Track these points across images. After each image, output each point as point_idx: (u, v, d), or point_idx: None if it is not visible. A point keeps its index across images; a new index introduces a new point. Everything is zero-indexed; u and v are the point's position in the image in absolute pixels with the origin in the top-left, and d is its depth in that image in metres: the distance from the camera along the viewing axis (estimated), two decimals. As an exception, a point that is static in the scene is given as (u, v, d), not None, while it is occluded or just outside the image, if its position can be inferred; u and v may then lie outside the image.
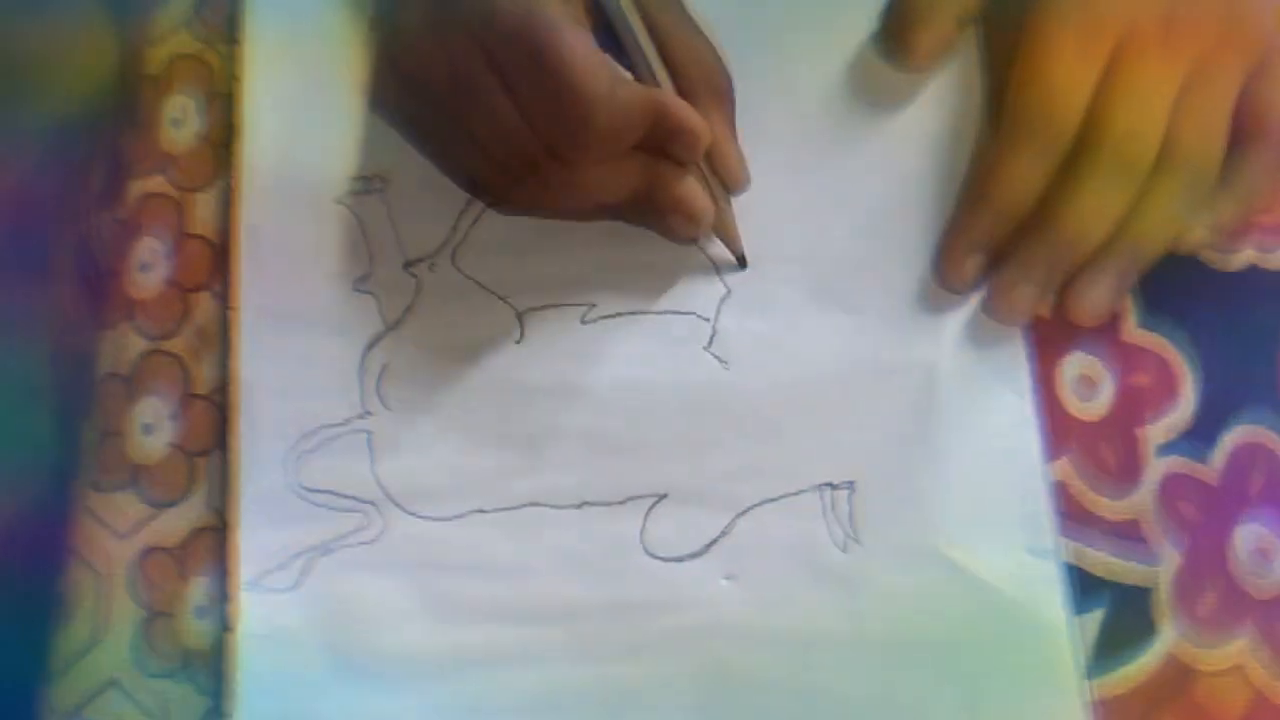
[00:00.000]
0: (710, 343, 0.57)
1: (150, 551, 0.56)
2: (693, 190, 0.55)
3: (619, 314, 0.57)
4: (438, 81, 0.54)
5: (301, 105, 0.60)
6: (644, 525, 0.55)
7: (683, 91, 0.55)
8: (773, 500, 0.55)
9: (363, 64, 0.59)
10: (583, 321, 0.57)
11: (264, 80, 0.61)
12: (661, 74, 0.54)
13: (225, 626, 0.54)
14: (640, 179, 0.54)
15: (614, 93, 0.51)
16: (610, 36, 0.54)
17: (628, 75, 0.54)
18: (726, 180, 0.56)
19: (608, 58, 0.52)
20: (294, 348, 0.57)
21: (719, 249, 0.57)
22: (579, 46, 0.50)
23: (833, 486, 0.55)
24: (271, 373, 0.57)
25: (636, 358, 0.56)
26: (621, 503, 0.55)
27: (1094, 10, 0.55)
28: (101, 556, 0.56)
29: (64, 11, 0.61)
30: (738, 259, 0.57)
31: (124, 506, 0.57)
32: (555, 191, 0.54)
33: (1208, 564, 0.54)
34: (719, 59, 0.56)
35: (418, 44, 0.54)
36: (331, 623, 0.54)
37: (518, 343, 0.57)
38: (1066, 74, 0.55)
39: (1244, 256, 0.58)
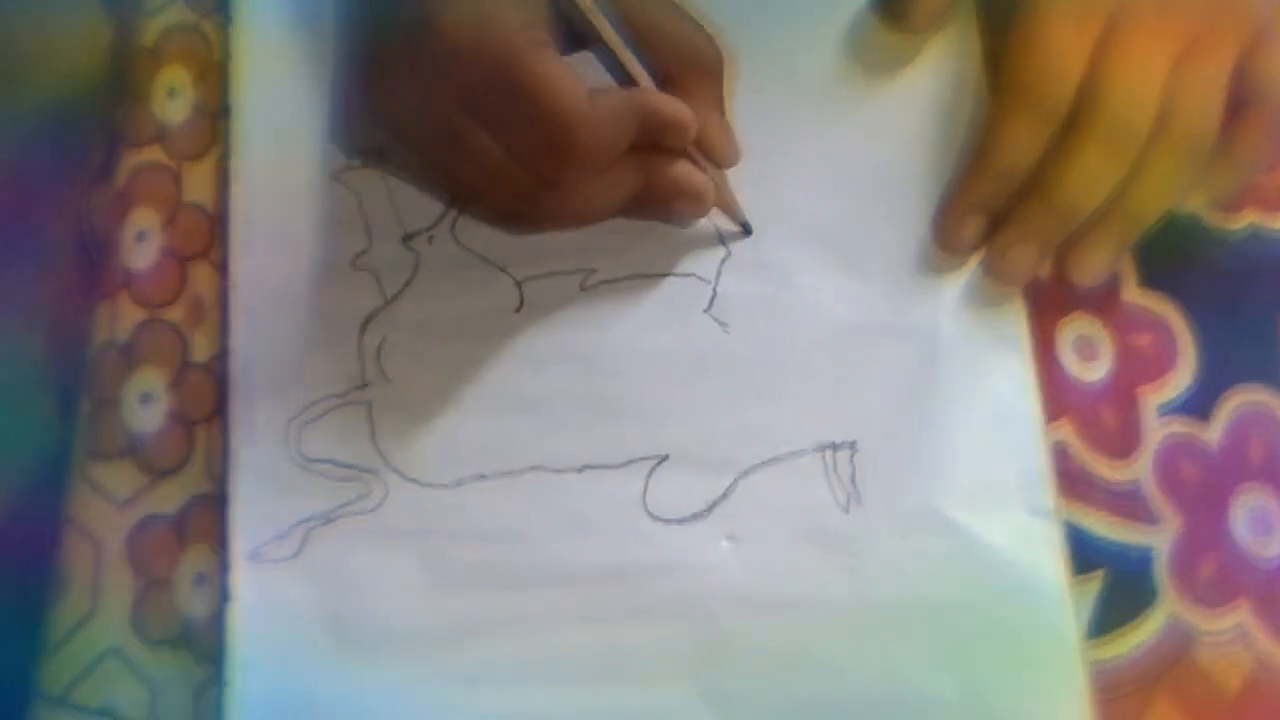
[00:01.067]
0: (710, 305, 0.56)
1: (148, 520, 0.56)
2: (690, 174, 0.55)
3: (618, 279, 0.57)
4: (417, 130, 0.53)
5: (296, 80, 0.60)
6: (646, 487, 0.54)
7: (665, 77, 0.54)
8: (775, 461, 0.55)
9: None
10: (582, 288, 0.57)
11: (258, 55, 0.60)
12: (636, 70, 0.53)
13: (225, 596, 0.54)
14: (636, 178, 0.54)
15: (593, 108, 0.50)
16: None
17: (607, 79, 0.54)
18: (716, 158, 0.56)
19: (578, 74, 0.51)
20: (292, 323, 0.57)
21: (723, 220, 0.57)
22: (550, 71, 0.50)
23: (834, 447, 0.55)
24: (269, 347, 0.57)
25: (637, 322, 0.56)
26: (623, 465, 0.55)
27: None
28: (100, 525, 0.56)
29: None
30: (742, 227, 0.57)
31: (122, 475, 0.57)
32: (556, 213, 0.54)
33: (1208, 528, 0.54)
34: (701, 36, 0.55)
35: (395, 98, 0.53)
36: (332, 592, 0.54)
37: (517, 311, 0.57)
38: (1062, 43, 0.55)
39: (1245, 217, 0.58)
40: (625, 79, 0.53)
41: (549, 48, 0.51)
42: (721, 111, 0.56)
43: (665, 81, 0.54)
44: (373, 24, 0.56)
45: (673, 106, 0.53)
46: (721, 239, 0.57)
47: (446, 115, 0.51)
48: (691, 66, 0.54)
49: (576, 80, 0.50)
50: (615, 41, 0.53)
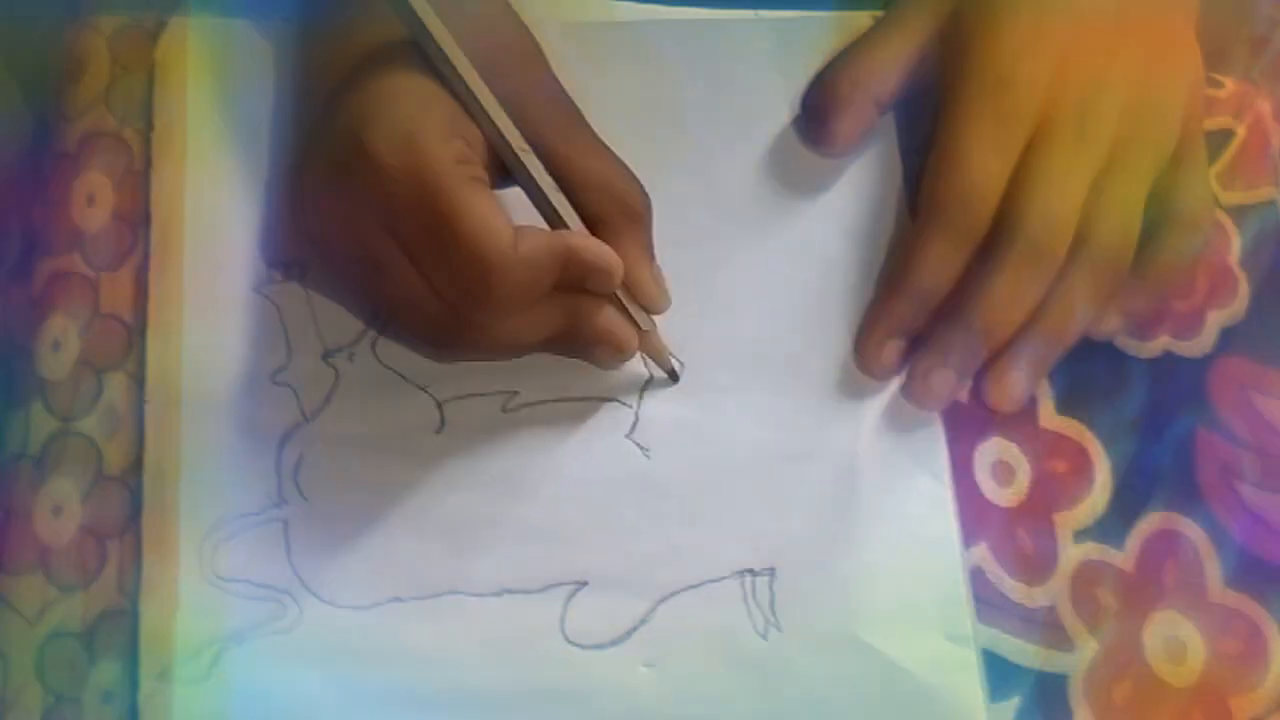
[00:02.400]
0: (632, 430, 0.56)
1: (57, 635, 0.55)
2: (613, 322, 0.54)
3: (540, 401, 0.57)
4: (342, 254, 0.53)
5: (218, 190, 0.59)
6: (564, 612, 0.54)
7: (592, 220, 0.54)
8: (694, 587, 0.54)
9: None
10: (504, 410, 0.56)
11: (179, 165, 0.60)
12: (567, 211, 0.53)
13: (134, 715, 0.53)
14: (559, 319, 0.54)
15: (517, 250, 0.50)
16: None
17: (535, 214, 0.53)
18: (645, 304, 0.55)
19: (506, 212, 0.51)
20: (209, 437, 0.56)
21: (651, 365, 0.58)
22: (476, 210, 0.49)
23: (754, 573, 0.54)
24: (185, 461, 0.56)
25: (558, 446, 0.56)
26: (541, 590, 0.54)
27: (1008, 100, 0.56)
28: (8, 640, 0.55)
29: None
30: (668, 374, 0.57)
31: (32, 589, 0.55)
32: (474, 346, 0.53)
33: (1124, 651, 0.54)
34: (629, 181, 0.54)
35: (319, 217, 0.54)
36: (244, 714, 0.53)
37: (438, 433, 0.56)
38: (981, 163, 0.56)
39: (1159, 344, 0.58)
40: (554, 218, 0.53)
41: (480, 184, 0.51)
42: (651, 256, 0.55)
43: (593, 224, 0.54)
44: (303, 137, 0.56)
45: (598, 251, 0.52)
46: (649, 369, 0.57)
47: (369, 237, 0.51)
48: (619, 211, 0.54)
49: (503, 220, 0.50)
50: (545, 182, 0.52)
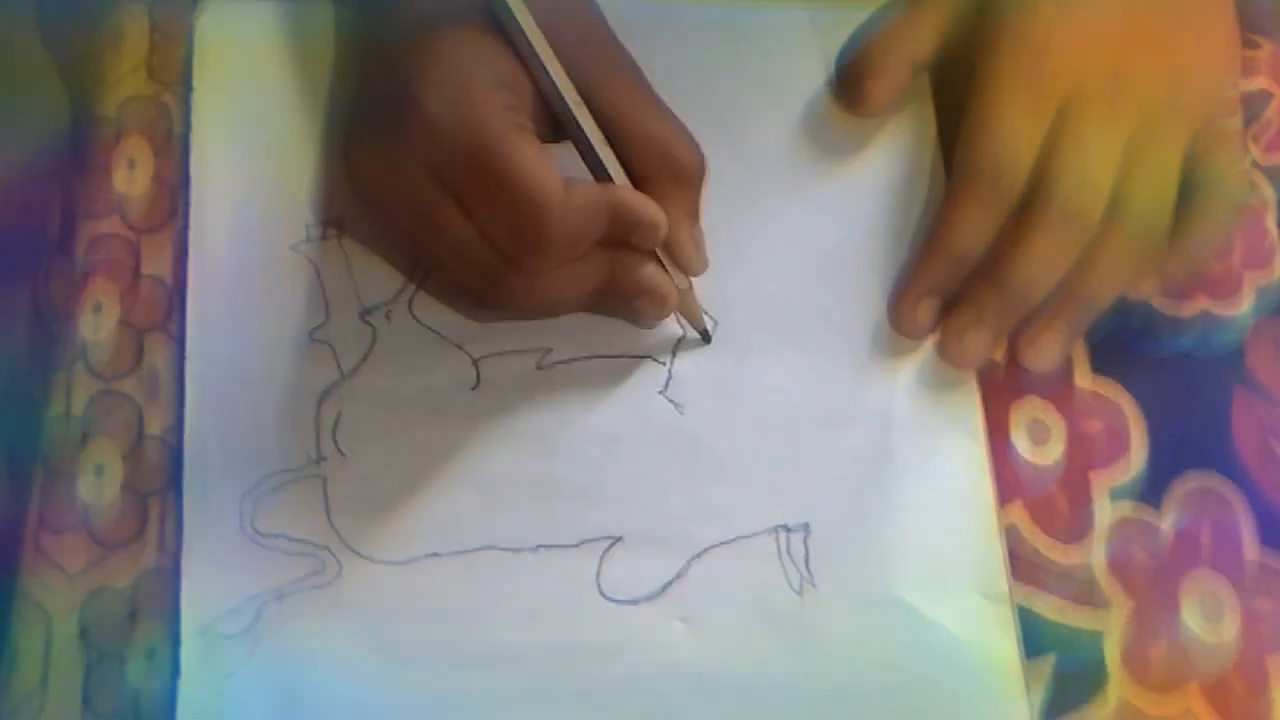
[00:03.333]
0: (665, 387, 0.57)
1: (100, 593, 0.55)
2: (655, 276, 0.55)
3: (574, 359, 0.57)
4: (392, 203, 0.54)
5: (256, 151, 0.60)
6: (599, 568, 0.54)
7: (640, 177, 0.54)
8: (728, 542, 0.55)
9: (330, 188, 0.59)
10: (538, 367, 0.57)
11: (218, 125, 0.61)
12: (614, 167, 0.53)
13: (176, 671, 0.54)
14: (603, 274, 0.54)
15: (567, 198, 0.50)
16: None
17: (584, 171, 0.54)
18: (683, 266, 0.55)
19: (556, 162, 0.51)
20: (248, 396, 0.57)
21: (685, 325, 0.58)
22: (527, 156, 0.50)
23: (788, 529, 0.55)
24: (224, 419, 0.56)
25: (592, 402, 0.57)
26: (576, 545, 0.55)
27: (1042, 65, 0.56)
28: (51, 598, 0.55)
29: (11, 60, 0.61)
30: (702, 334, 0.57)
31: (74, 547, 0.56)
32: (520, 299, 0.54)
33: (1158, 610, 0.54)
34: (683, 142, 0.55)
35: (370, 166, 0.54)
36: (283, 668, 0.54)
37: (473, 389, 0.57)
38: (1015, 129, 0.56)
39: (1196, 304, 0.58)
40: (602, 175, 0.53)
41: (528, 132, 0.51)
42: (694, 219, 0.56)
43: (641, 182, 0.54)
44: (354, 90, 0.57)
45: (646, 206, 0.53)
46: (681, 327, 0.58)
47: (419, 187, 0.52)
48: (667, 171, 0.54)
49: (553, 168, 0.50)
50: (596, 138, 0.53)
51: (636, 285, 0.54)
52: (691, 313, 0.57)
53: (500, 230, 0.51)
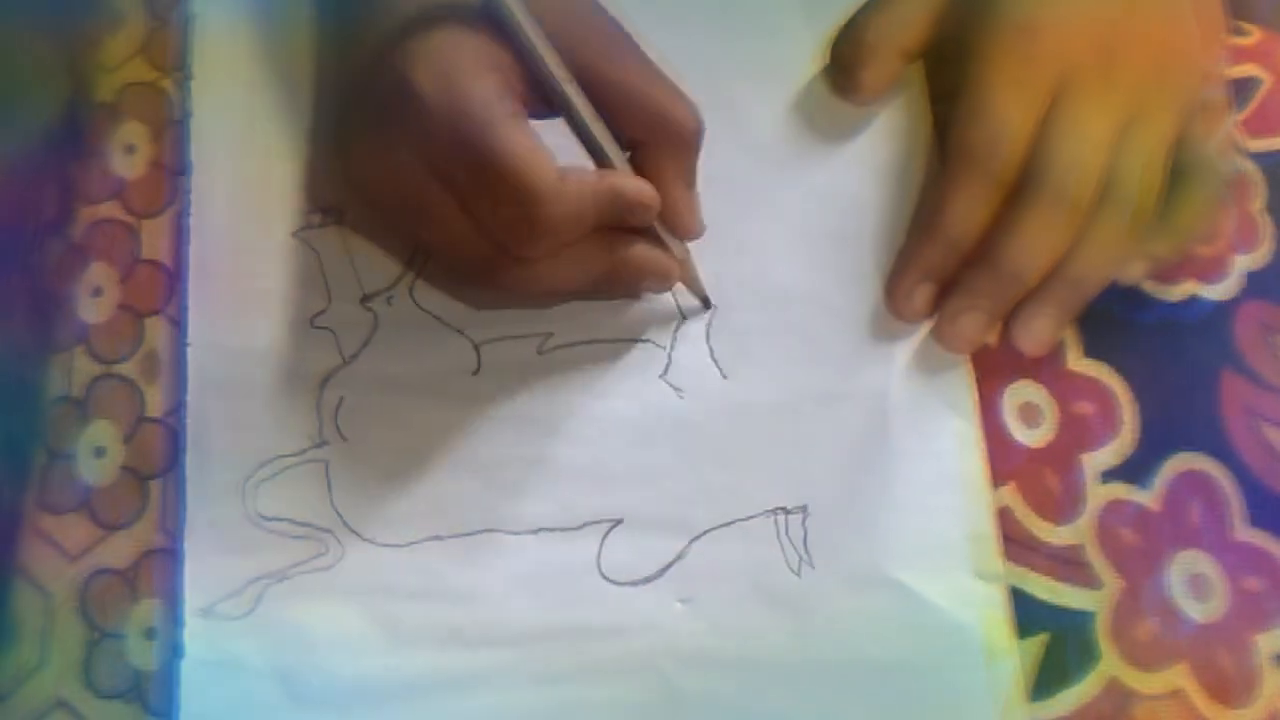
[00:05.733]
0: (665, 371, 0.57)
1: (100, 573, 0.56)
2: (653, 255, 0.55)
3: (575, 343, 0.57)
4: (386, 193, 0.54)
5: (256, 137, 0.60)
6: (600, 550, 0.55)
7: (636, 143, 0.54)
8: (727, 524, 0.55)
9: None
10: (539, 352, 0.57)
11: (218, 112, 0.61)
12: (609, 143, 0.53)
13: (176, 652, 0.54)
14: (600, 258, 0.54)
15: (561, 186, 0.50)
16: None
17: (575, 144, 0.53)
18: (680, 231, 0.55)
19: (549, 150, 0.51)
20: (249, 380, 0.57)
21: (683, 294, 0.58)
22: (521, 146, 0.50)
23: (786, 511, 0.55)
24: (225, 404, 0.57)
25: (592, 386, 0.57)
26: (578, 528, 0.55)
27: (1033, 48, 0.56)
28: (51, 577, 0.56)
29: (9, 46, 0.61)
30: (702, 301, 0.58)
31: (74, 528, 0.56)
32: (518, 286, 0.54)
33: (1148, 590, 0.55)
34: (677, 104, 0.53)
35: (363, 156, 0.54)
36: (284, 650, 0.54)
37: (474, 374, 0.57)
38: (1007, 111, 0.56)
39: (1185, 288, 0.59)
40: (595, 149, 0.53)
41: (522, 119, 0.51)
42: (690, 183, 0.55)
43: (637, 147, 0.54)
44: (347, 79, 0.57)
45: (638, 188, 0.52)
46: (680, 310, 0.58)
47: (413, 177, 0.52)
48: (663, 136, 0.53)
49: (547, 156, 0.50)
50: (589, 114, 0.52)
51: (637, 266, 0.55)
52: (690, 281, 0.57)
53: (495, 220, 0.51)
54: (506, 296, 0.56)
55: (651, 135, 0.53)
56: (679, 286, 0.57)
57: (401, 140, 0.51)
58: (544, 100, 0.52)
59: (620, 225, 0.54)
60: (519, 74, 0.52)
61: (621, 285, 0.56)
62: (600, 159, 0.53)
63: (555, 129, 0.52)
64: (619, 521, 0.55)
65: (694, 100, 0.54)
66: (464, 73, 0.50)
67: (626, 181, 0.52)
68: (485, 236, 0.52)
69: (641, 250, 0.54)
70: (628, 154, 0.54)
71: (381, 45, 0.53)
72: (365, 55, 0.54)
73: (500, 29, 0.51)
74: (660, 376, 0.57)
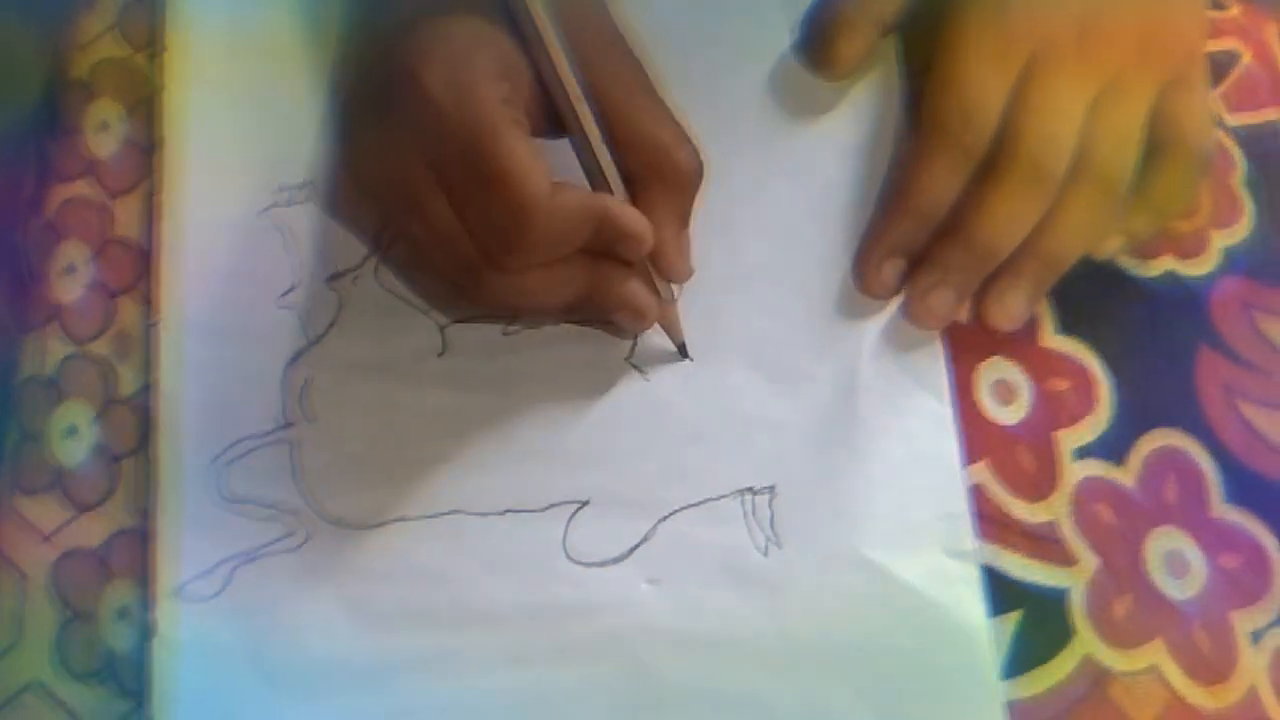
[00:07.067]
0: (631, 353, 0.57)
1: (72, 553, 0.56)
2: (636, 291, 0.54)
3: (540, 325, 0.57)
4: (381, 184, 0.53)
5: (227, 114, 0.60)
6: (566, 532, 0.55)
7: (636, 177, 0.53)
8: (694, 505, 0.55)
9: (320, 168, 0.59)
10: (505, 333, 0.57)
11: (188, 89, 0.61)
12: (609, 167, 0.52)
13: (148, 631, 0.54)
14: (583, 282, 0.53)
15: (553, 199, 0.49)
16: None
17: (577, 168, 0.53)
18: (668, 273, 0.55)
19: (547, 162, 0.50)
20: (216, 360, 0.57)
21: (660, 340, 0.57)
22: (518, 152, 0.49)
23: (753, 491, 0.55)
24: (194, 384, 0.57)
25: (558, 368, 0.57)
26: (544, 510, 0.55)
27: (1008, 20, 0.56)
28: (24, 558, 0.56)
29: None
30: (679, 348, 0.57)
31: (46, 509, 0.57)
32: (496, 297, 0.53)
33: (1123, 567, 0.55)
34: (682, 148, 0.53)
35: (364, 147, 0.54)
36: (255, 630, 0.54)
37: (440, 356, 0.57)
38: (981, 83, 0.56)
39: (1161, 264, 0.58)
40: (596, 174, 0.52)
41: (523, 128, 0.51)
42: (683, 225, 0.55)
43: (635, 183, 0.53)
44: (355, 66, 0.57)
45: (632, 219, 0.52)
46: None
47: (409, 169, 0.51)
48: (664, 175, 0.53)
49: (543, 168, 0.49)
50: (594, 135, 0.52)
51: (617, 297, 0.54)
52: (671, 326, 0.56)
53: (482, 224, 0.51)
54: (482, 309, 0.56)
55: (651, 172, 0.53)
56: (657, 328, 0.57)
57: (404, 127, 0.51)
58: (548, 118, 0.52)
59: (609, 253, 0.53)
60: (528, 86, 0.52)
61: (596, 310, 0.54)
62: (599, 183, 0.53)
63: (557, 151, 0.52)
64: (585, 503, 0.55)
65: (667, 69, 0.54)
66: (473, 74, 0.50)
67: (621, 209, 0.52)
68: (472, 240, 0.51)
69: (624, 281, 0.54)
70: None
71: (393, 35, 0.53)
72: (376, 42, 0.54)
73: (520, 36, 0.51)
74: (625, 359, 0.57)
